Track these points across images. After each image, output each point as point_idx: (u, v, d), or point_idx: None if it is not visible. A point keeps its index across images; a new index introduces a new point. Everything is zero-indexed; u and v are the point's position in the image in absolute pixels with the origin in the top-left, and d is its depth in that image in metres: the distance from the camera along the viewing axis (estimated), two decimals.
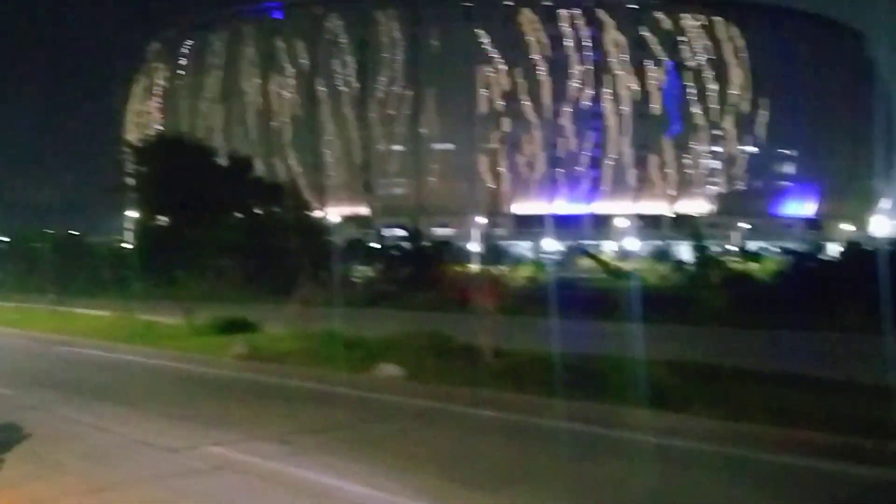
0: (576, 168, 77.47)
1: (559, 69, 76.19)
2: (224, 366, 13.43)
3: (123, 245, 51.86)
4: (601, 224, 75.75)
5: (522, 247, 55.91)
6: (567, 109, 76.69)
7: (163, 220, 41.47)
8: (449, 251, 35.44)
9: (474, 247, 45.92)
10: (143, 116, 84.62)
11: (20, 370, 13.85)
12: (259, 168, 48.11)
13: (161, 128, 70.43)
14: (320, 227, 35.23)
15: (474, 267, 36.54)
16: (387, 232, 40.91)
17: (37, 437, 8.17)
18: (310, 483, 6.35)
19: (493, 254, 17.65)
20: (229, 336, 15.95)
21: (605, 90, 77.52)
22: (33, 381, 12.44)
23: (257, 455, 7.21)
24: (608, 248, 64.01)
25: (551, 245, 60.65)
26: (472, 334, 12.39)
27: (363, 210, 70.92)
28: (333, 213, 38.72)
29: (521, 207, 74.44)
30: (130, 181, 44.58)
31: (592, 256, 38.07)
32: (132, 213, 52.41)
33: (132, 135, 71.96)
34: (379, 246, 36.77)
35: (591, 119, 76.94)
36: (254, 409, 9.88)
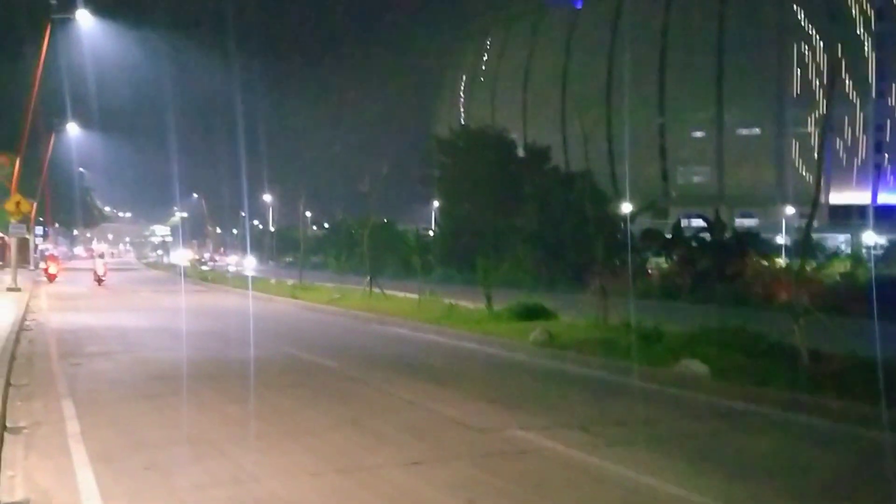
0: None
1: (888, 43, 68.09)
2: (523, 350, 13.68)
3: (429, 232, 55.36)
4: None
5: (838, 240, 50.93)
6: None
7: (464, 208, 43.52)
8: (753, 243, 33.27)
9: (782, 239, 42.77)
10: (449, 110, 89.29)
11: (342, 345, 15.18)
12: (556, 158, 48.48)
13: (465, 121, 73.76)
14: (615, 217, 34.71)
15: (782, 261, 33.99)
16: (684, 222, 39.34)
17: (358, 408, 8.87)
18: (617, 476, 6.18)
19: (804, 247, 16.00)
20: (527, 322, 16.25)
21: None
22: (353, 355, 13.56)
23: (561, 442, 7.19)
24: None
25: (872, 239, 54.63)
26: (781, 333, 11.46)
27: (659, 199, 68.93)
28: (629, 202, 37.96)
29: (837, 197, 67.77)
30: (436, 172, 47.38)
31: None
32: (437, 203, 55.83)
33: (439, 128, 76.38)
34: (676, 236, 35.46)
35: None
36: (555, 396, 9.93)
